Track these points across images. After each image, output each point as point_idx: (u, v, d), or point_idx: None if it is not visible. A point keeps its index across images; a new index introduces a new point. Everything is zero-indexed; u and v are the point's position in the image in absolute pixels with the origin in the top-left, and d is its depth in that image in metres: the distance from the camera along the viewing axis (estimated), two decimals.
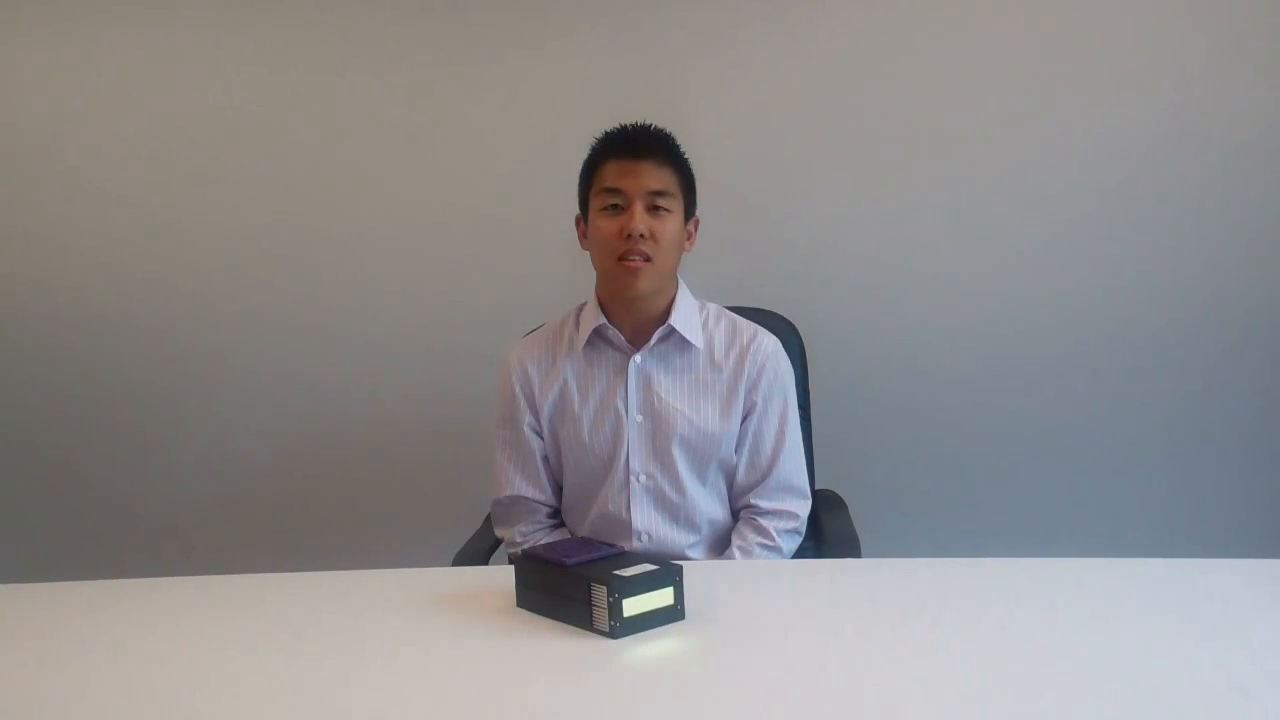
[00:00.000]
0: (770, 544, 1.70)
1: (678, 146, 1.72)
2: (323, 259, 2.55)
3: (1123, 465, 2.45)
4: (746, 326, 1.78)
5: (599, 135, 1.73)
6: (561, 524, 1.84)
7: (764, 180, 2.45)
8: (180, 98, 2.53)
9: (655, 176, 1.66)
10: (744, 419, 1.74)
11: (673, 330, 1.72)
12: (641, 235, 1.64)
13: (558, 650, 1.14)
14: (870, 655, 1.10)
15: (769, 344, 1.77)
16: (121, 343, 2.60)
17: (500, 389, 1.82)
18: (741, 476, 1.75)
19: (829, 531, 1.84)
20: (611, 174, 1.67)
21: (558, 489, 1.83)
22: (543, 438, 1.79)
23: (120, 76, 2.54)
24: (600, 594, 1.15)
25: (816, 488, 1.93)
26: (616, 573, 1.18)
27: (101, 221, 2.58)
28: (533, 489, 1.80)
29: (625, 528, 1.72)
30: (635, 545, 1.71)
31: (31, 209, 2.59)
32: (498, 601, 1.29)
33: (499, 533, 1.83)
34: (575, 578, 1.19)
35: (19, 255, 2.60)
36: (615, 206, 1.66)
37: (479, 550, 1.80)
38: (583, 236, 1.76)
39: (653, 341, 1.73)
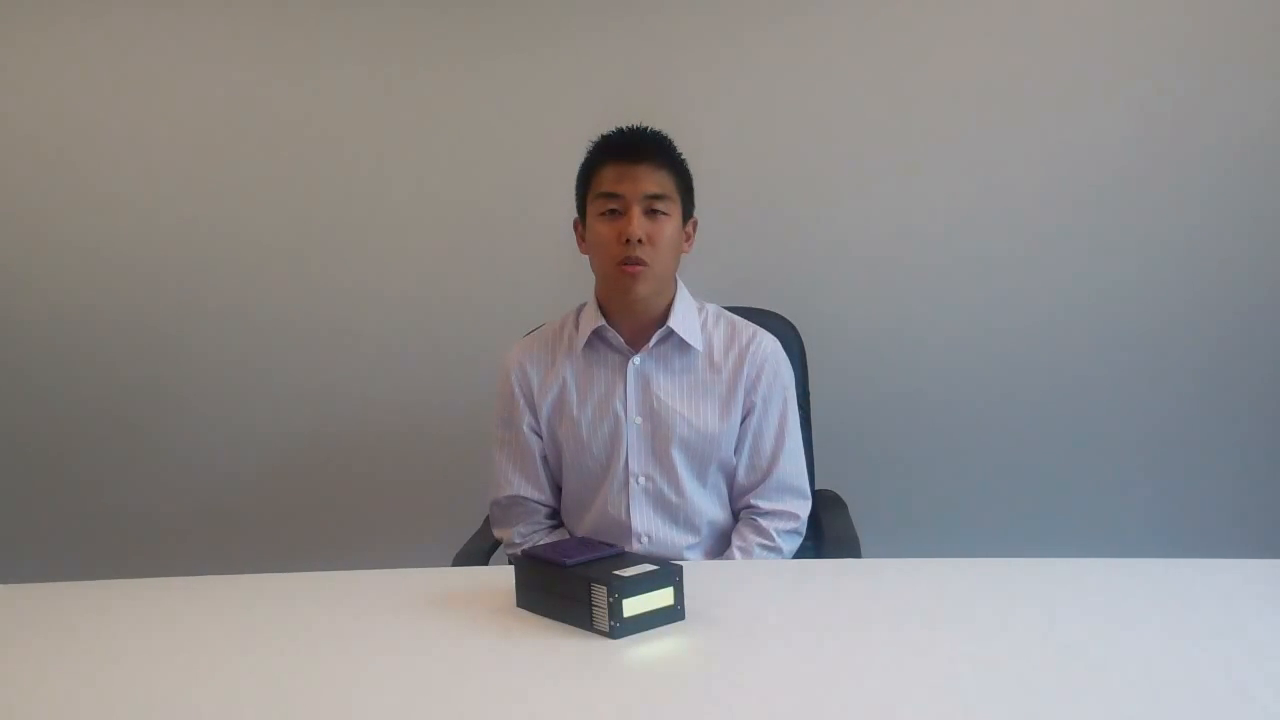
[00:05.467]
0: (770, 544, 1.70)
1: (674, 148, 1.72)
2: (323, 259, 2.55)
3: (1123, 465, 2.45)
4: (745, 327, 1.78)
5: (596, 138, 1.73)
6: (560, 525, 1.84)
7: (764, 180, 2.45)
8: (179, 98, 2.53)
9: (652, 180, 1.66)
10: (743, 419, 1.74)
11: (671, 332, 1.72)
12: (639, 240, 1.64)
13: (558, 650, 1.14)
14: (870, 655, 1.10)
15: (768, 344, 1.77)
16: (122, 343, 2.60)
17: (499, 389, 1.82)
18: (741, 477, 1.75)
19: (829, 531, 1.84)
20: (608, 178, 1.67)
21: (557, 490, 1.83)
22: (542, 438, 1.79)
23: (120, 76, 2.54)
24: (600, 594, 1.15)
25: (816, 488, 1.93)
26: (616, 573, 1.17)
27: (101, 221, 2.58)
28: (532, 489, 1.80)
29: (625, 529, 1.72)
30: (635, 547, 1.71)
31: (31, 209, 2.59)
32: (498, 601, 1.29)
33: (498, 534, 1.83)
34: (575, 578, 1.19)
35: (19, 255, 2.61)
36: (613, 211, 1.66)
37: (479, 550, 1.80)
38: (581, 240, 1.76)
39: (652, 343, 1.73)
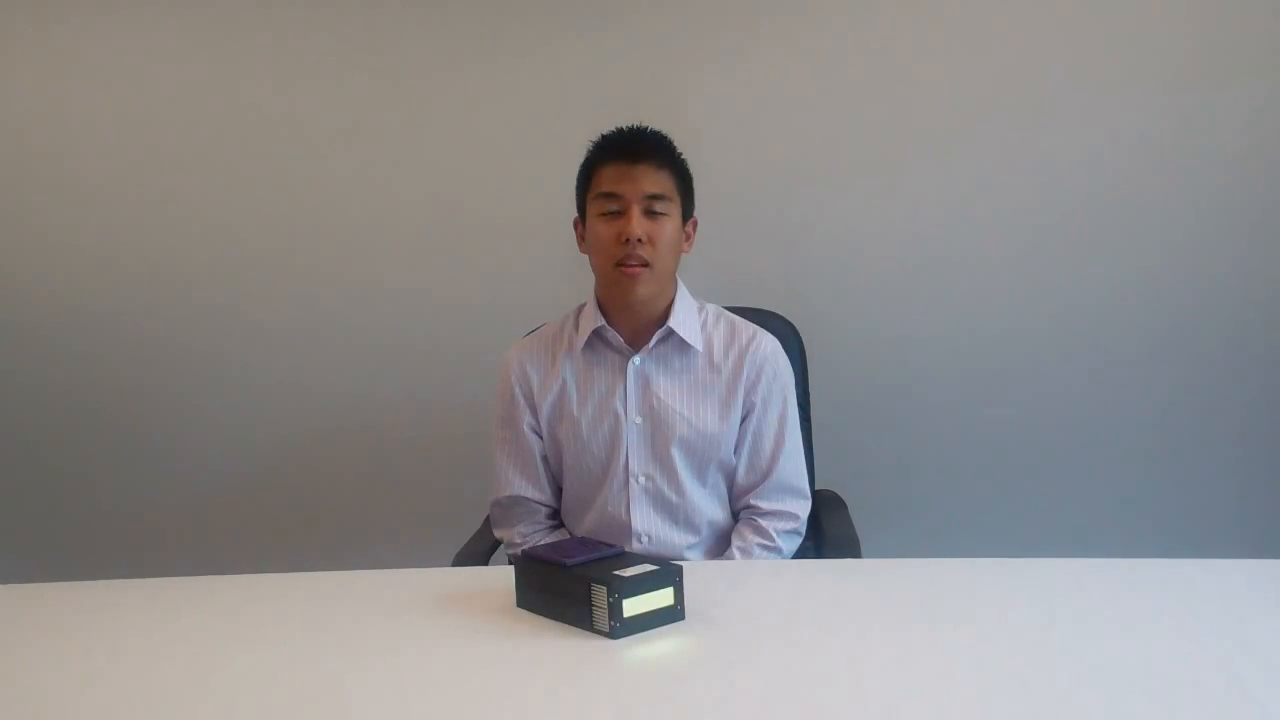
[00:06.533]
0: (770, 544, 1.70)
1: (674, 148, 1.72)
2: (323, 259, 2.55)
3: (1123, 465, 2.45)
4: (745, 327, 1.78)
5: (596, 138, 1.73)
6: (561, 525, 1.84)
7: (764, 180, 2.45)
8: (180, 98, 2.53)
9: (652, 180, 1.66)
10: (743, 420, 1.74)
11: (671, 332, 1.72)
12: (639, 240, 1.64)
13: (558, 650, 1.14)
14: (870, 655, 1.10)
15: (768, 344, 1.77)
16: (121, 343, 2.60)
17: (500, 389, 1.82)
18: (741, 477, 1.75)
19: (829, 531, 1.84)
20: (608, 178, 1.67)
21: (557, 490, 1.83)
22: (542, 438, 1.79)
23: (121, 76, 2.53)
24: (600, 594, 1.15)
25: (816, 488, 1.93)
26: (616, 573, 1.18)
27: (101, 221, 2.58)
28: (532, 489, 1.80)
29: (625, 529, 1.72)
30: (635, 547, 1.71)
31: (31, 209, 2.59)
32: (498, 601, 1.29)
33: (498, 534, 1.83)
34: (575, 578, 1.19)
35: (19, 255, 2.60)
36: (613, 211, 1.66)
37: (479, 550, 1.80)
38: (581, 239, 1.76)
39: (652, 343, 1.73)
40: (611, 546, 1.28)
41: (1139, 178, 2.38)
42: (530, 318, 2.03)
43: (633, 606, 1.15)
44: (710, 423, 1.72)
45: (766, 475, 1.75)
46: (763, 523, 1.72)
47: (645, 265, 1.65)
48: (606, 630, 1.15)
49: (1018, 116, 2.38)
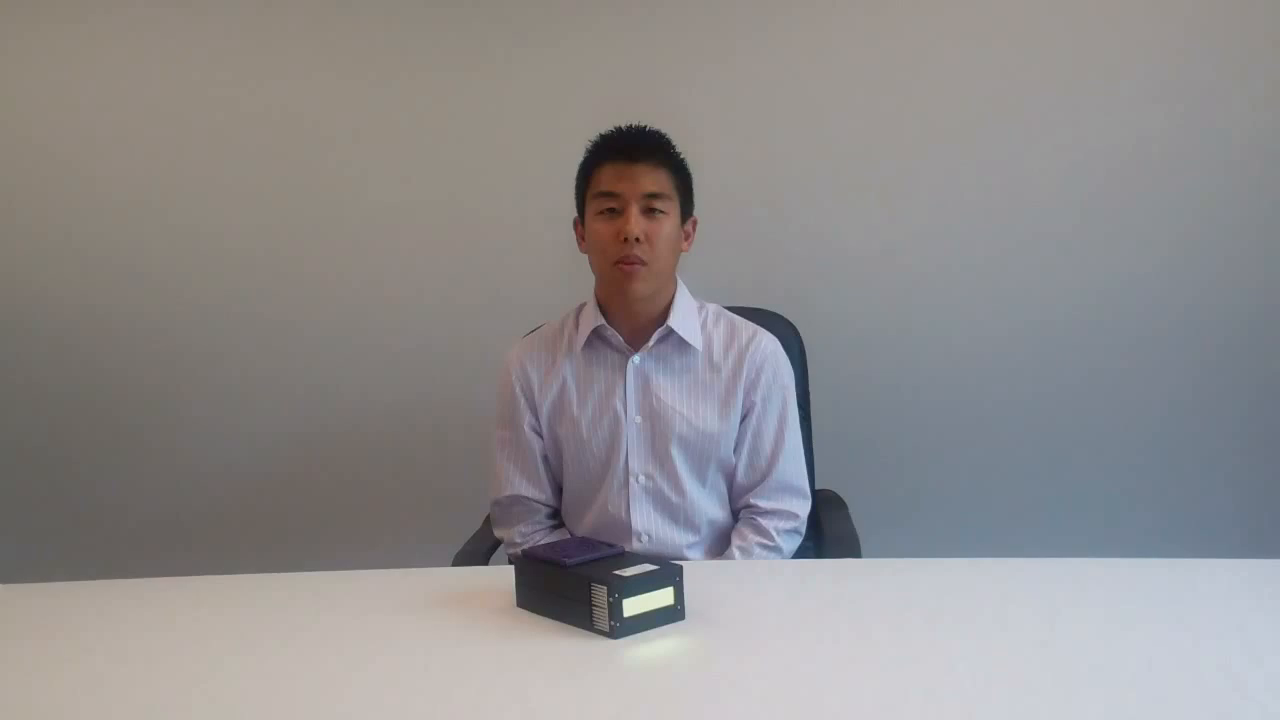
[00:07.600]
0: (770, 544, 1.70)
1: (673, 148, 1.72)
2: (322, 259, 2.55)
3: (1123, 465, 2.45)
4: (745, 327, 1.78)
5: (595, 138, 1.73)
6: (561, 524, 1.84)
7: (764, 180, 2.45)
8: (180, 98, 2.53)
9: (651, 179, 1.66)
10: (743, 419, 1.74)
11: (671, 331, 1.72)
12: (637, 239, 1.64)
13: (558, 650, 1.14)
14: (870, 655, 1.10)
15: (768, 344, 1.77)
16: (122, 343, 2.60)
17: (500, 389, 1.82)
18: (741, 476, 1.75)
19: (829, 531, 1.84)
20: (607, 178, 1.67)
21: (557, 489, 1.83)
22: (543, 437, 1.79)
23: (121, 76, 2.54)
24: (600, 594, 1.15)
25: (816, 488, 1.93)
26: (616, 573, 1.17)
27: (101, 221, 2.58)
28: (533, 489, 1.80)
29: (625, 528, 1.72)
30: (635, 546, 1.71)
31: (31, 209, 2.59)
32: (498, 601, 1.29)
33: (498, 533, 1.83)
34: (575, 578, 1.19)
35: (19, 255, 2.60)
36: (611, 210, 1.66)
37: (479, 550, 1.80)
38: (581, 239, 1.76)
39: (651, 343, 1.73)
40: (611, 546, 1.28)
41: (1138, 178, 2.38)
42: (530, 318, 2.03)
43: (633, 606, 1.15)
44: (710, 422, 1.72)
45: (766, 474, 1.75)
46: (763, 522, 1.72)
47: (644, 263, 1.65)
48: (606, 630, 1.15)
49: (1018, 117, 2.38)
